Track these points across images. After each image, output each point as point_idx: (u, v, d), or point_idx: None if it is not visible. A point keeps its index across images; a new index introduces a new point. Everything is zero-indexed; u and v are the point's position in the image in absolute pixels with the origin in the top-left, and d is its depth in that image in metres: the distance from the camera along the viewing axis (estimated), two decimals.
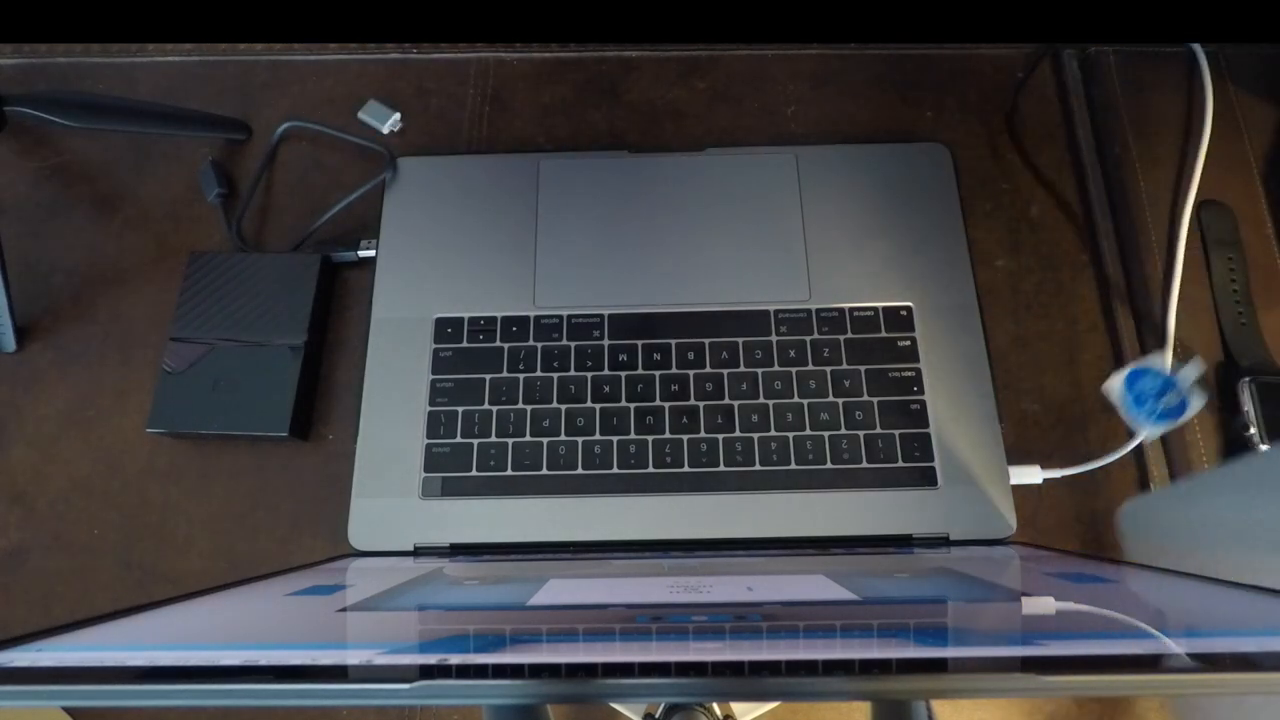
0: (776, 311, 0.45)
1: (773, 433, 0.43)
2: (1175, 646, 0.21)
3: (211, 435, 0.44)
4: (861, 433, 0.43)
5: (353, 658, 0.20)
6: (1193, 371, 0.39)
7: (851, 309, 0.45)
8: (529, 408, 0.44)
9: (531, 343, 0.45)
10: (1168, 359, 0.40)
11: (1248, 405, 0.42)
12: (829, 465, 0.42)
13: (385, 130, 0.52)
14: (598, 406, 0.44)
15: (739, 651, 0.20)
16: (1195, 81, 0.49)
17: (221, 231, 0.49)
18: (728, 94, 0.53)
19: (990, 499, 0.41)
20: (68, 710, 0.42)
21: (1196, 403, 0.39)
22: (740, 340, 0.45)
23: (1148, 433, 0.39)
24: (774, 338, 0.45)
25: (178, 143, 0.52)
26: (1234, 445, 0.43)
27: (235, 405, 0.43)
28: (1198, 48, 0.50)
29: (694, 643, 0.22)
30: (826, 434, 0.43)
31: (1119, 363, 0.45)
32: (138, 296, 0.48)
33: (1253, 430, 0.42)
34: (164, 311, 0.47)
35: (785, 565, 0.37)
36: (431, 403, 0.44)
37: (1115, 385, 0.40)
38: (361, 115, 0.52)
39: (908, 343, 0.44)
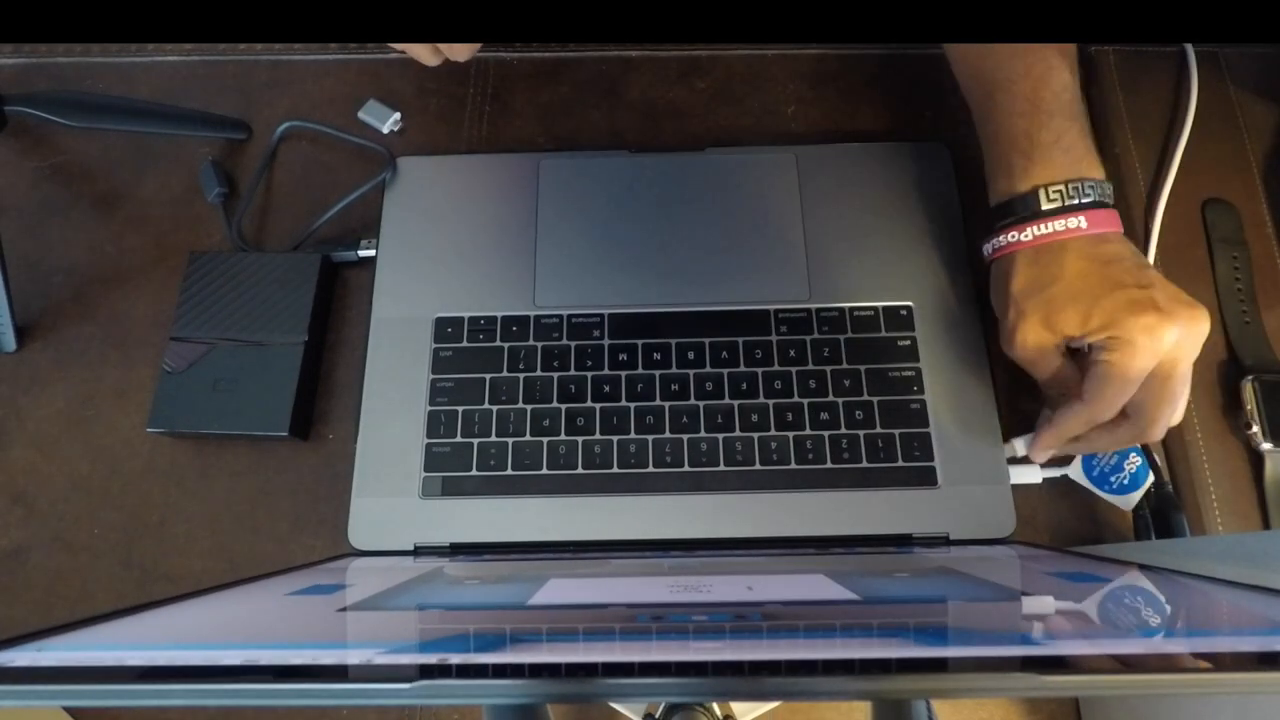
0: (776, 311, 0.45)
1: (773, 432, 0.43)
2: (1175, 646, 0.21)
3: (211, 435, 0.44)
4: (861, 432, 0.43)
5: (353, 657, 0.20)
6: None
7: (851, 309, 0.45)
8: (529, 407, 0.44)
9: (531, 342, 0.45)
10: None
11: (1250, 404, 0.42)
12: (829, 465, 0.42)
13: (385, 130, 0.52)
14: (598, 406, 0.44)
15: (739, 651, 0.20)
16: (1189, 81, 0.49)
17: (221, 231, 0.49)
18: (728, 94, 0.53)
19: (990, 499, 0.41)
20: (69, 709, 0.42)
21: (1149, 475, 0.42)
22: (740, 340, 0.45)
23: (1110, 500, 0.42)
24: (774, 337, 0.45)
25: (178, 143, 0.52)
26: (1236, 443, 0.43)
27: (235, 405, 0.43)
28: (1188, 47, 0.50)
29: (694, 642, 0.22)
30: (826, 434, 0.43)
31: None
32: (138, 296, 0.48)
33: (1255, 429, 0.42)
34: (164, 311, 0.47)
35: (785, 565, 0.37)
36: (431, 402, 0.44)
37: (1076, 467, 0.42)
38: (361, 115, 0.52)
39: (908, 343, 0.44)
